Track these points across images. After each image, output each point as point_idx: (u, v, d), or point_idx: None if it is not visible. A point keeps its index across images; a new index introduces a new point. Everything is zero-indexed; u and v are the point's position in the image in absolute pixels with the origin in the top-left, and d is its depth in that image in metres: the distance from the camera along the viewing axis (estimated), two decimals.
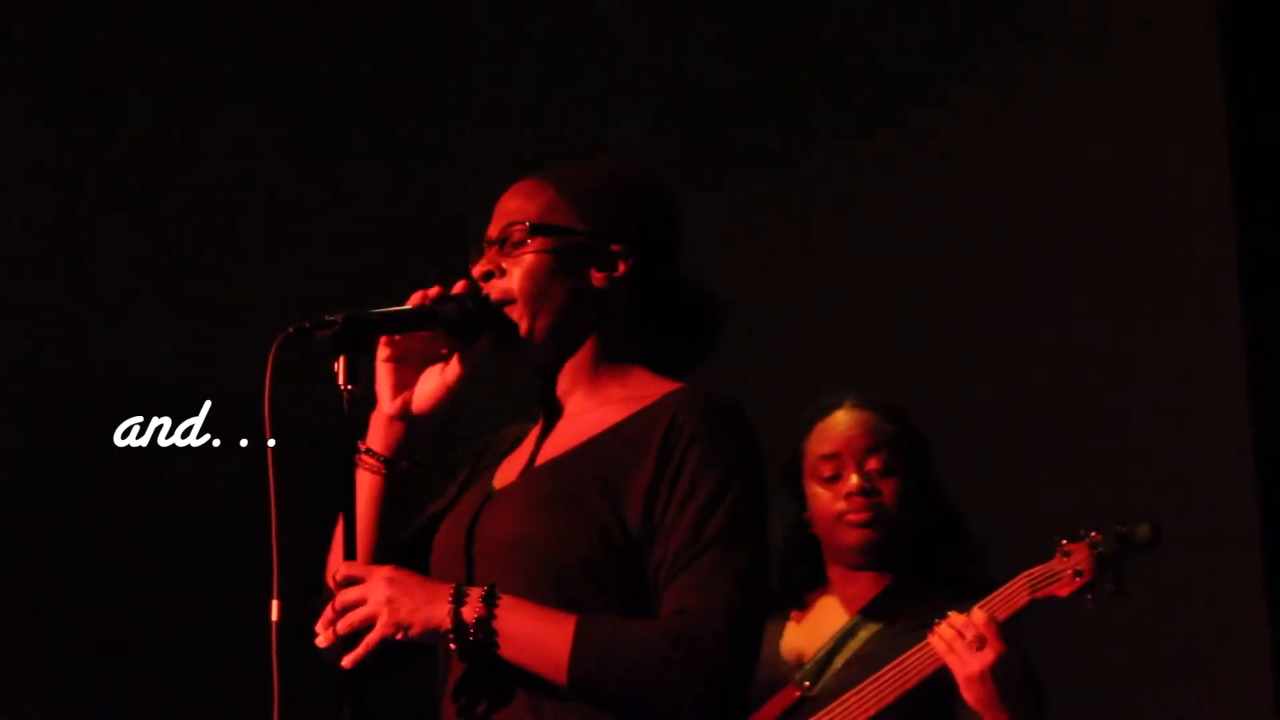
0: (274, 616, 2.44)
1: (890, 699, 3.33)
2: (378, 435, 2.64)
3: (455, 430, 2.73)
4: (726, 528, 2.44)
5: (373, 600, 2.44)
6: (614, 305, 2.62)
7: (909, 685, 3.32)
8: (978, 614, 3.27)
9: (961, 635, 3.26)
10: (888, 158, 5.13)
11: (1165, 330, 4.67)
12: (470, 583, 2.52)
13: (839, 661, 3.47)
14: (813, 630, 3.55)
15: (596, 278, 2.61)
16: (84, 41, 5.08)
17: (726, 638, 2.40)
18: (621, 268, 2.62)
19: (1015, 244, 4.91)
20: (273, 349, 2.48)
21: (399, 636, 2.44)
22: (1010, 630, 3.30)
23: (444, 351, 2.61)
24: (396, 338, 2.60)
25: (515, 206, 2.64)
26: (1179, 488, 4.56)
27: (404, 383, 2.61)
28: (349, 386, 2.49)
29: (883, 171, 5.14)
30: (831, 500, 3.52)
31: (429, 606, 2.43)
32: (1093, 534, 3.32)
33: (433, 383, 2.61)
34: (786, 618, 3.60)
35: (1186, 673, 4.54)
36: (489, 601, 2.43)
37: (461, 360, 2.60)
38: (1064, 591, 3.31)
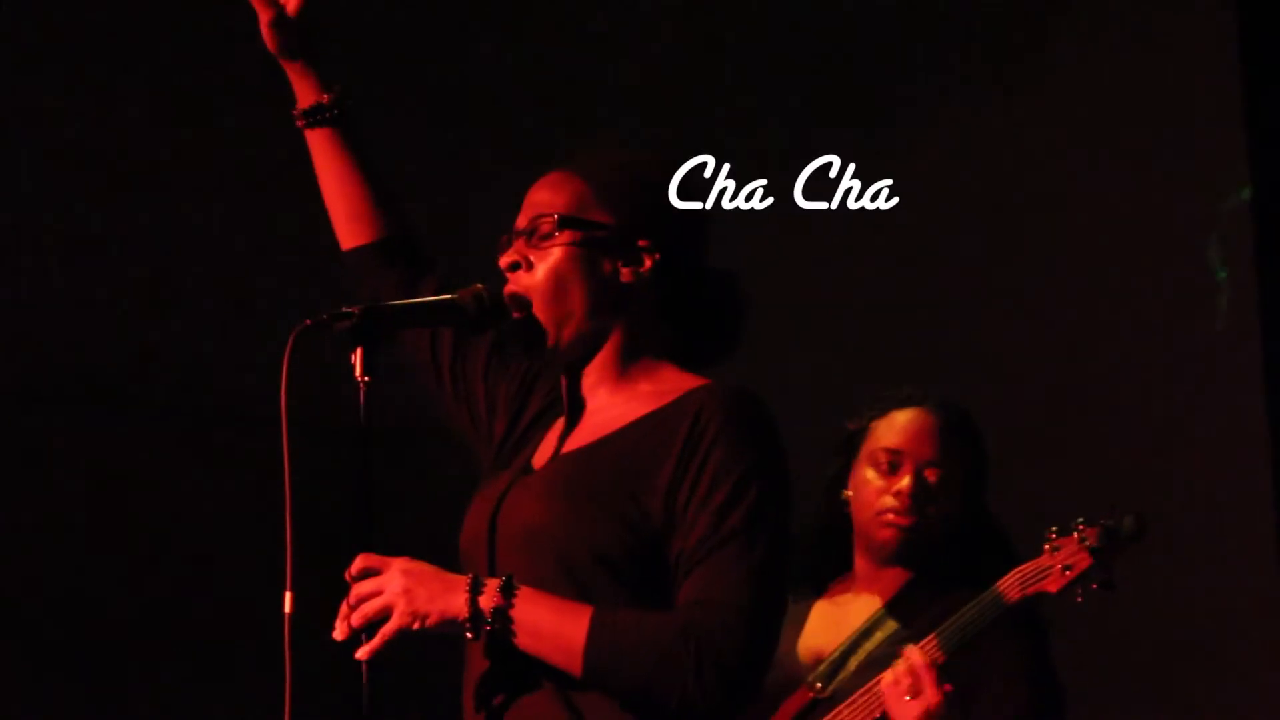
0: (287, 608, 2.43)
1: None
2: (298, 94, 2.86)
3: None
4: (746, 523, 2.44)
5: (389, 591, 2.43)
6: (640, 299, 2.61)
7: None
8: (915, 657, 3.25)
9: (899, 683, 3.24)
10: (891, 155, 5.11)
11: (1181, 325, 4.66)
12: (491, 569, 2.52)
13: (853, 664, 3.46)
14: (832, 627, 3.54)
15: (623, 273, 2.61)
16: (86, 42, 5.08)
17: (740, 630, 2.40)
18: (648, 263, 2.61)
19: (1027, 239, 4.91)
20: (290, 341, 2.48)
21: (415, 626, 2.43)
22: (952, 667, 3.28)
23: None
24: None
25: (544, 198, 2.63)
26: (1193, 482, 4.56)
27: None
28: (365, 379, 2.48)
29: (890, 168, 5.12)
30: (880, 492, 3.49)
31: (446, 596, 2.43)
32: (1079, 527, 3.31)
33: None
34: (810, 605, 3.59)
35: (1201, 667, 4.54)
36: (506, 592, 2.43)
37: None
38: (1053, 587, 3.30)
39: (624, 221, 2.61)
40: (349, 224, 2.88)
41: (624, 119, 5.32)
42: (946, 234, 5.01)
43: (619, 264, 2.60)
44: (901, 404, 3.55)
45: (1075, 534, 3.30)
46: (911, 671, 3.23)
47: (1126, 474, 4.61)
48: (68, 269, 5.06)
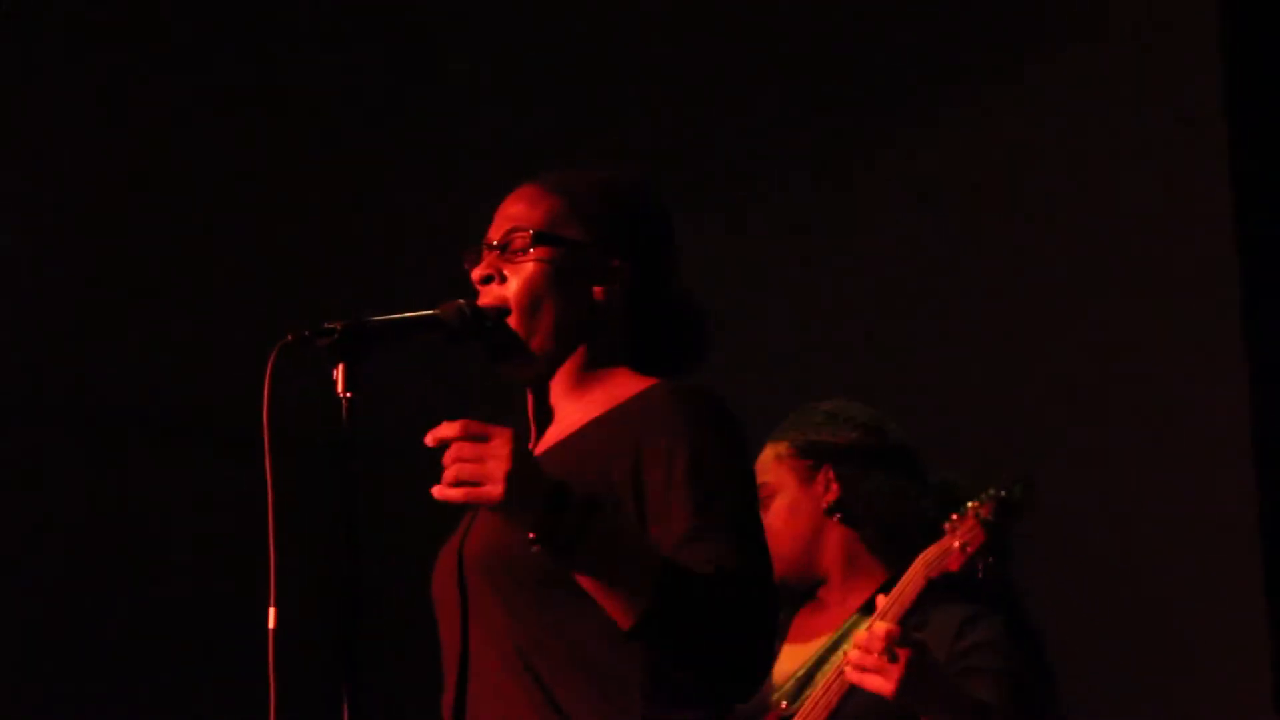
0: (271, 624, 2.44)
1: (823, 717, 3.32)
2: None
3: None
4: (737, 499, 2.45)
5: (493, 467, 2.29)
6: (609, 317, 2.62)
7: (831, 706, 3.30)
8: (877, 627, 3.22)
9: (868, 654, 3.18)
10: (879, 163, 5.11)
11: (1165, 330, 4.67)
12: (462, 598, 2.52)
13: (819, 679, 3.44)
14: (799, 648, 3.53)
15: (595, 291, 2.61)
16: (83, 45, 5.08)
17: (768, 587, 2.42)
18: (620, 282, 2.62)
19: (1012, 248, 4.91)
20: (271, 356, 2.48)
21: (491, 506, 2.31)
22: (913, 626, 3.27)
23: None
24: None
25: (518, 212, 2.63)
26: (1178, 485, 4.57)
27: None
28: (348, 394, 2.48)
29: (875, 177, 5.12)
30: None
31: (533, 496, 2.30)
32: (971, 504, 3.31)
33: None
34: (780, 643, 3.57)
35: (1185, 670, 4.55)
36: (589, 510, 2.32)
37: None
38: (954, 565, 3.28)
39: (598, 240, 2.61)
40: None
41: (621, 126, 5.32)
42: (932, 242, 5.02)
43: (591, 282, 2.61)
44: None
45: (970, 510, 3.31)
46: (875, 642, 3.16)
47: (1113, 475, 4.63)
48: (61, 283, 5.07)
